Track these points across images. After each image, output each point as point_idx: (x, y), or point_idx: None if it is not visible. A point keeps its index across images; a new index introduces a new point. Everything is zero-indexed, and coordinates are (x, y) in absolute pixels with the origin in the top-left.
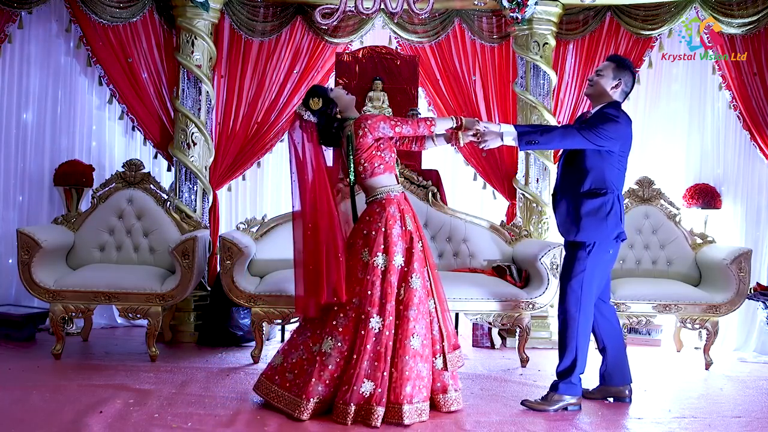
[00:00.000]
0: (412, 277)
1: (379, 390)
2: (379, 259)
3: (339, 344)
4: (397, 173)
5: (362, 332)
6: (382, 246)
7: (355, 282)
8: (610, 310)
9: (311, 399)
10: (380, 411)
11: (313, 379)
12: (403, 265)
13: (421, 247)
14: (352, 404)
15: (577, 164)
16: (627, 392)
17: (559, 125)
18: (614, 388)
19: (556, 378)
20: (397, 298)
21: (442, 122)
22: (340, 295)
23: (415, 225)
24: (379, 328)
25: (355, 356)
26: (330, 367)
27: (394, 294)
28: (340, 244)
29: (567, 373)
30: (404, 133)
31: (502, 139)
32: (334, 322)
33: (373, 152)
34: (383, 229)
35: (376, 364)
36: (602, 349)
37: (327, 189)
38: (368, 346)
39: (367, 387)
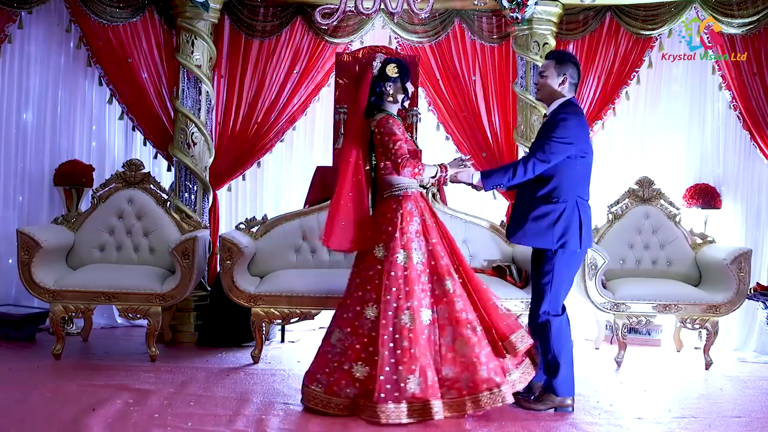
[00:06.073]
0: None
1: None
2: (400, 256)
3: (343, 336)
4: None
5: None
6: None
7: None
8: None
9: (311, 385)
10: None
11: (317, 368)
12: (425, 261)
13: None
14: (402, 402)
15: None
16: (569, 402)
17: (519, 160)
18: (558, 397)
19: (546, 378)
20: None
21: (429, 171)
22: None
23: (434, 221)
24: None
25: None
26: (330, 356)
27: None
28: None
29: (553, 373)
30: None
31: (472, 177)
32: (345, 315)
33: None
34: (401, 226)
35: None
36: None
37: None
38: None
39: (412, 384)
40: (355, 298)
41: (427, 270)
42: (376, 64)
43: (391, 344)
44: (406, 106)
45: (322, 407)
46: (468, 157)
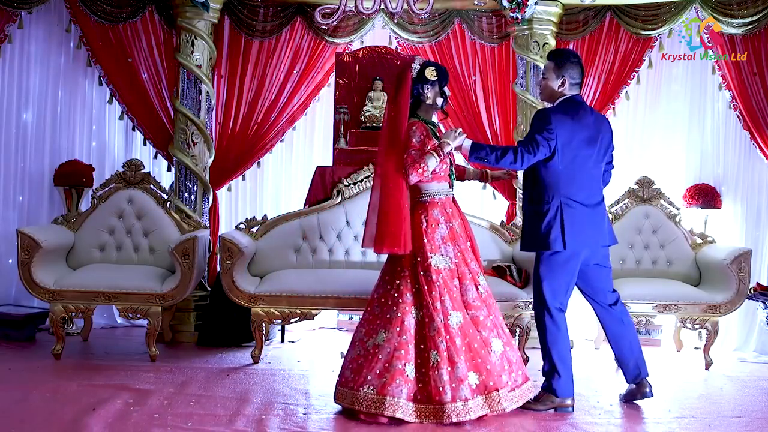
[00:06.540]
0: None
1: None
2: (433, 260)
3: (390, 335)
4: (452, 180)
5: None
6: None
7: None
8: (615, 313)
9: (361, 388)
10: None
11: (364, 370)
12: (452, 267)
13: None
14: (470, 399)
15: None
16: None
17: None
18: (558, 398)
19: (543, 378)
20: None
21: (431, 161)
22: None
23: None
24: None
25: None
26: (381, 357)
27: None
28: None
29: (550, 374)
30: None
31: (461, 145)
32: (388, 316)
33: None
34: (428, 231)
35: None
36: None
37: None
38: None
39: (472, 379)
40: (397, 299)
41: (457, 276)
42: (415, 66)
43: (447, 344)
44: (445, 109)
45: (375, 409)
46: (464, 133)
